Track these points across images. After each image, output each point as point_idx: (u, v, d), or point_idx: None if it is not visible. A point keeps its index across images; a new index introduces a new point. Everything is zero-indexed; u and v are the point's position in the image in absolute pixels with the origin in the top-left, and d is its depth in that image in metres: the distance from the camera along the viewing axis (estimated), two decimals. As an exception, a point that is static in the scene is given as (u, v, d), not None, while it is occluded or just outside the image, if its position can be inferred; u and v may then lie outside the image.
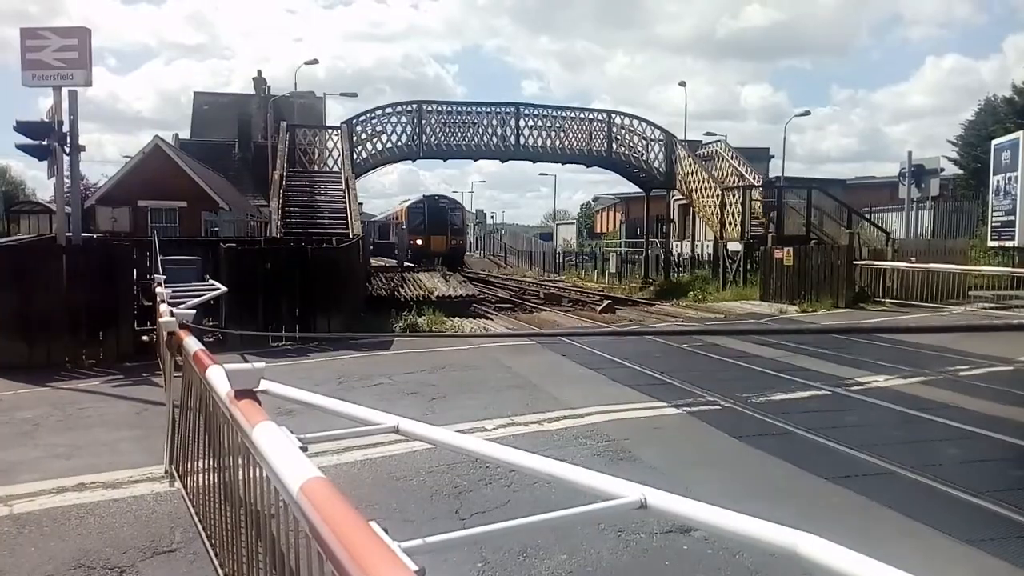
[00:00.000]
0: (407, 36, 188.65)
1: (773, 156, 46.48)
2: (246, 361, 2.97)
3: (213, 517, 3.73)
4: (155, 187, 31.70)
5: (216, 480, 3.55)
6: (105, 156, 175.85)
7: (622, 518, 4.21)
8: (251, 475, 2.62)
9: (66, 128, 11.50)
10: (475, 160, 27.09)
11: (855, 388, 8.54)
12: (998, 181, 23.25)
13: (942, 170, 27.73)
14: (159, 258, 11.24)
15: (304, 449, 2.08)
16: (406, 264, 27.52)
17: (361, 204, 31.27)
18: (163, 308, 5.93)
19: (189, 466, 4.62)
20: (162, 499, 5.04)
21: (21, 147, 11.68)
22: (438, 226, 40.67)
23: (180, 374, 4.76)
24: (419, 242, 39.19)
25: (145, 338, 11.06)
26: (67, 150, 11.62)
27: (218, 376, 3.03)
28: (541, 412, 7.39)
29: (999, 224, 23.10)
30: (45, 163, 11.93)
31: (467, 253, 53.79)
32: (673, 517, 1.76)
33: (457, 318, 15.51)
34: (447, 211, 42.42)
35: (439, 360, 10.63)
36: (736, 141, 29.92)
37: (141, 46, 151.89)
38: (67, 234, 12.20)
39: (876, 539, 4.43)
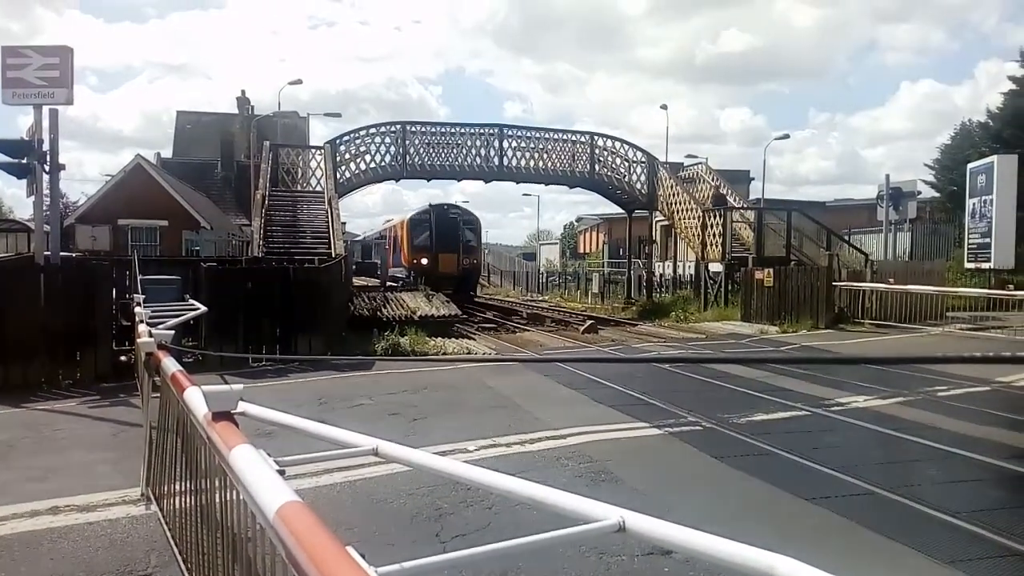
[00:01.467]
0: (391, 58, 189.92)
1: (753, 178, 46.90)
2: (225, 382, 2.95)
3: (189, 541, 3.68)
4: (136, 206, 31.50)
5: (193, 503, 3.50)
6: (85, 175, 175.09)
7: (602, 540, 4.20)
8: (228, 498, 2.59)
9: (46, 147, 11.42)
10: (459, 180, 27.24)
11: (835, 408, 8.59)
12: (974, 204, 23.62)
13: (919, 193, 28.12)
14: (139, 277, 11.14)
15: (282, 472, 2.06)
16: (388, 284, 27.34)
17: (344, 224, 31.14)
18: (141, 328, 5.87)
19: (166, 489, 4.55)
20: (138, 522, 4.97)
21: (0, 165, 11.58)
22: (448, 242, 31.58)
23: (158, 395, 4.71)
24: (424, 261, 31.10)
25: (123, 358, 10.91)
26: (47, 169, 11.54)
27: (196, 398, 3.00)
28: (523, 433, 7.37)
29: (975, 246, 23.43)
30: (24, 181, 11.83)
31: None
32: (651, 540, 1.76)
33: (440, 338, 15.46)
34: (459, 224, 32.84)
35: (421, 380, 10.59)
36: (717, 163, 30.16)
37: (123, 65, 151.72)
38: (45, 253, 12.08)
39: (856, 560, 4.44)
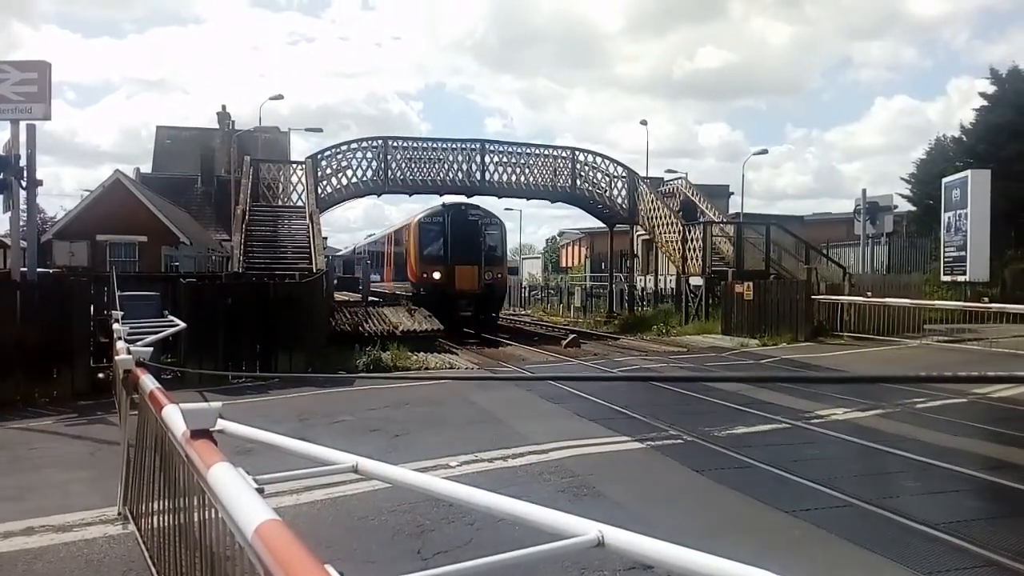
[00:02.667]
0: (371, 73, 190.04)
1: (732, 193, 47.31)
2: (205, 399, 2.93)
3: (168, 560, 3.64)
4: (115, 221, 31.23)
5: (171, 522, 3.47)
6: (62, 189, 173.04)
7: (584, 556, 4.19)
8: (206, 517, 2.57)
9: (23, 162, 11.34)
10: (440, 195, 27.13)
11: (815, 421, 8.65)
12: (949, 218, 23.98)
13: (895, 207, 28.52)
14: (117, 293, 11.05)
15: (261, 490, 2.05)
16: (370, 299, 26.69)
17: (326, 239, 31.06)
18: (120, 345, 5.82)
19: (144, 508, 4.50)
20: (115, 542, 4.90)
21: (-24, 181, 11.47)
22: (466, 250, 24.36)
23: (136, 413, 4.67)
24: (436, 275, 24.14)
25: (101, 375, 10.82)
26: (24, 184, 11.44)
27: (174, 416, 2.98)
28: (505, 448, 7.36)
29: (951, 259, 23.77)
30: (0, 197, 11.72)
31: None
32: (630, 555, 1.77)
33: (422, 353, 15.42)
34: (480, 228, 25.26)
35: (403, 396, 10.55)
36: (696, 178, 30.41)
37: (101, 80, 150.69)
38: (22, 269, 11.94)
39: (836, 572, 4.47)
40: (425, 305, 21.06)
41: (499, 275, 25.99)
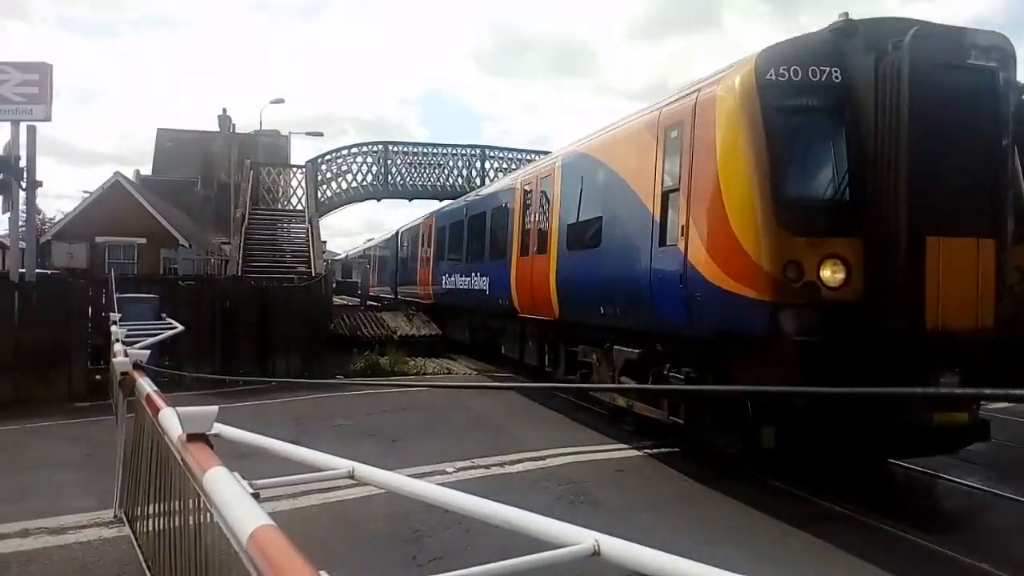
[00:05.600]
0: (370, 78, 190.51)
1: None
2: (201, 403, 2.93)
3: (162, 564, 3.62)
4: (114, 223, 31.20)
5: (167, 525, 3.46)
6: (61, 191, 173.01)
7: (580, 564, 4.18)
8: (202, 521, 2.56)
9: (23, 163, 11.34)
10: (440, 200, 27.12)
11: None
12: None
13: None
14: (115, 296, 11.04)
15: (256, 495, 2.04)
16: (368, 303, 26.63)
17: (325, 243, 31.02)
18: (117, 348, 5.81)
19: (139, 511, 4.49)
20: (110, 545, 4.88)
21: (-24, 182, 11.47)
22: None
23: (132, 415, 4.65)
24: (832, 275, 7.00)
25: (98, 377, 10.80)
26: (23, 185, 11.44)
27: (170, 419, 2.97)
28: (503, 455, 7.34)
29: None
30: (0, 198, 11.72)
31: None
32: (626, 564, 1.76)
33: (420, 358, 15.41)
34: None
35: (400, 401, 10.53)
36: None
37: (101, 81, 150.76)
38: (21, 270, 11.93)
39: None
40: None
41: None
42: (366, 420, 9.22)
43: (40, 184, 11.80)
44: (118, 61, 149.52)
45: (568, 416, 9.44)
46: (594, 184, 8.85)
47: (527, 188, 11.41)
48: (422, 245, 19.93)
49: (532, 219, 11.00)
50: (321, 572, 1.41)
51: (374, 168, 26.14)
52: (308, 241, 19.96)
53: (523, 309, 11.13)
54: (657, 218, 7.05)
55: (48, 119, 11.70)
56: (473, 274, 14.11)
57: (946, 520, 5.71)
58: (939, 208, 5.49)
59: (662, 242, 6.95)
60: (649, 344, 7.57)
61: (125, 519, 5.03)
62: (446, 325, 17.78)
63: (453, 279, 16.01)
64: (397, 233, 25.77)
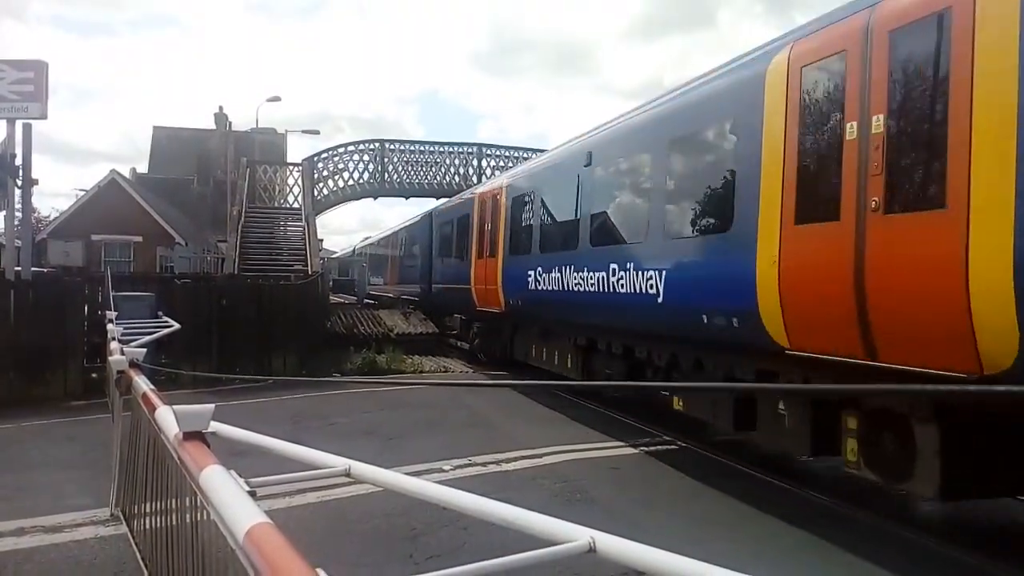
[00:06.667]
0: (366, 77, 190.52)
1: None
2: (197, 401, 2.93)
3: (159, 562, 3.63)
4: (110, 221, 31.15)
5: (164, 523, 3.46)
6: (57, 189, 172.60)
7: (576, 561, 4.19)
8: (198, 519, 2.56)
9: (19, 161, 11.31)
10: (437, 199, 27.06)
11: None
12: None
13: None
14: (112, 294, 11.03)
15: (253, 493, 2.05)
16: (365, 301, 26.60)
17: (321, 240, 30.97)
18: (113, 346, 5.81)
19: (136, 509, 4.49)
20: (107, 543, 4.88)
21: (-29, 179, 11.45)
22: None
23: (129, 413, 4.65)
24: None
25: (95, 375, 10.79)
26: (19, 183, 11.42)
27: (167, 417, 2.97)
28: (499, 452, 7.35)
29: None
30: (-5, 196, 11.70)
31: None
32: (621, 561, 1.77)
33: (417, 356, 15.41)
34: None
35: (397, 399, 10.53)
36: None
37: (97, 79, 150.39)
38: (16, 268, 11.91)
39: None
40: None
41: None
42: (363, 418, 9.22)
43: (36, 182, 11.78)
44: (115, 60, 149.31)
45: (565, 414, 9.45)
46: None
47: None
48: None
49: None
50: (318, 570, 1.42)
51: (371, 166, 26.09)
52: (305, 239, 19.94)
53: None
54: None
55: (44, 117, 11.67)
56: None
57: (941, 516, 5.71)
58: None
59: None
60: None
61: (122, 517, 5.03)
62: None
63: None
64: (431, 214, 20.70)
